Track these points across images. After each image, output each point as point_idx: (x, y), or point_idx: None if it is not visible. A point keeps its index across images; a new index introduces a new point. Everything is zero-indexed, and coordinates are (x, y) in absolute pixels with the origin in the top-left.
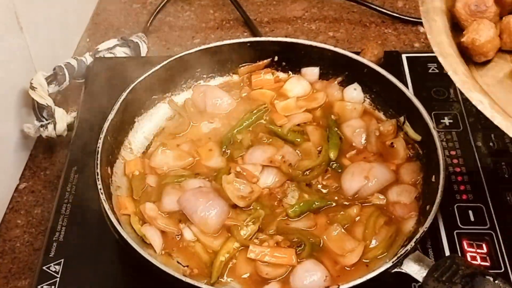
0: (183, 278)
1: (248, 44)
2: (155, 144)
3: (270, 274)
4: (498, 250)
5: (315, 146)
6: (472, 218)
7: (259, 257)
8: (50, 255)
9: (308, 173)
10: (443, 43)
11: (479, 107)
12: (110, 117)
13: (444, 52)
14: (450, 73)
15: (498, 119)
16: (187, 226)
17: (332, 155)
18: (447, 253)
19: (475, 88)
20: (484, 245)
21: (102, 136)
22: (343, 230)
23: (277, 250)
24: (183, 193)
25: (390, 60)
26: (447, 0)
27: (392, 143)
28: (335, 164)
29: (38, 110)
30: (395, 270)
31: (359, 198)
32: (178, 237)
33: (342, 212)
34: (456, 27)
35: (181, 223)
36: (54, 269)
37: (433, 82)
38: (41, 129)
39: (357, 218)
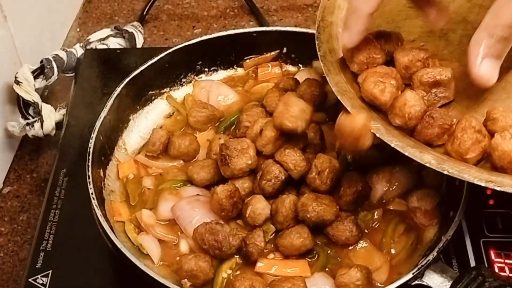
0: None
1: (254, 34)
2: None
3: None
4: None
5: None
6: (500, 226)
7: (268, 270)
8: (37, 266)
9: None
10: (341, 82)
11: (377, 134)
12: (103, 114)
13: (342, 90)
14: (349, 108)
15: (394, 142)
16: (185, 237)
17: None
18: (473, 263)
19: (372, 118)
20: None
21: (93, 135)
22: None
23: (287, 262)
24: (178, 201)
25: None
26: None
27: None
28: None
29: (23, 106)
30: (416, 282)
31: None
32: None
33: (364, 212)
34: None
35: (182, 232)
36: (41, 281)
37: None
38: (27, 127)
39: (377, 224)
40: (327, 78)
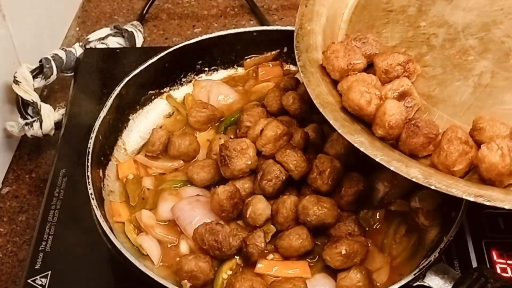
0: None
1: (255, 33)
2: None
3: None
4: None
5: None
6: (502, 226)
7: (268, 271)
8: (36, 267)
9: None
10: (322, 93)
11: (361, 149)
12: (102, 114)
13: (323, 102)
14: (331, 122)
15: (379, 156)
16: (185, 238)
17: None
18: (474, 264)
19: (355, 131)
20: None
21: (93, 135)
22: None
23: (287, 263)
24: (177, 201)
25: None
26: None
27: None
28: None
29: (22, 106)
30: (417, 283)
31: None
32: (173, 246)
33: (364, 211)
34: None
35: (182, 233)
36: (40, 282)
37: None
38: (26, 127)
39: (378, 225)
40: (308, 90)
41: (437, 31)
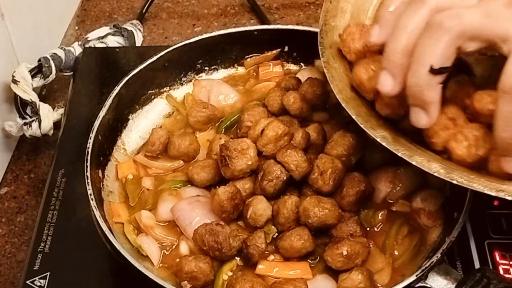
0: None
1: (255, 32)
2: None
3: None
4: None
5: None
6: (505, 227)
7: (269, 272)
8: (35, 268)
9: None
10: (345, 88)
11: (383, 144)
12: (101, 114)
13: (346, 98)
14: (353, 116)
15: (401, 151)
16: (185, 238)
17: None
18: (477, 265)
19: (378, 126)
20: None
21: (92, 135)
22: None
23: (288, 264)
24: (177, 202)
25: None
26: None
27: None
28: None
29: (21, 106)
30: (419, 284)
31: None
32: (172, 248)
33: (365, 210)
34: None
35: (182, 233)
36: (39, 284)
37: None
38: (25, 127)
39: (380, 226)
40: (331, 85)
41: None
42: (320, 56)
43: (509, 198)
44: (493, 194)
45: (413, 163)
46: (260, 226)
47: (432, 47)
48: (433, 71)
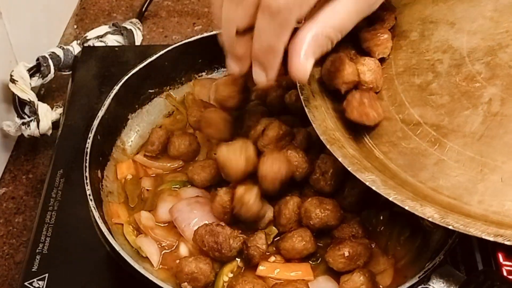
0: None
1: None
2: None
3: None
4: None
5: None
6: None
7: (270, 273)
8: (33, 269)
9: None
10: (328, 129)
11: (373, 187)
12: (101, 113)
13: (330, 139)
14: (340, 159)
15: (392, 196)
16: (184, 239)
17: None
18: (480, 267)
19: (366, 169)
20: None
21: (91, 135)
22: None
23: (289, 265)
24: (176, 202)
25: None
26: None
27: None
28: None
29: (19, 105)
30: (422, 286)
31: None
32: (172, 249)
33: (367, 210)
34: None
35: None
36: (37, 285)
37: None
38: (23, 127)
39: (382, 227)
40: (313, 125)
41: (442, 56)
42: (299, 94)
43: (508, 243)
44: (491, 239)
45: (406, 207)
46: (261, 228)
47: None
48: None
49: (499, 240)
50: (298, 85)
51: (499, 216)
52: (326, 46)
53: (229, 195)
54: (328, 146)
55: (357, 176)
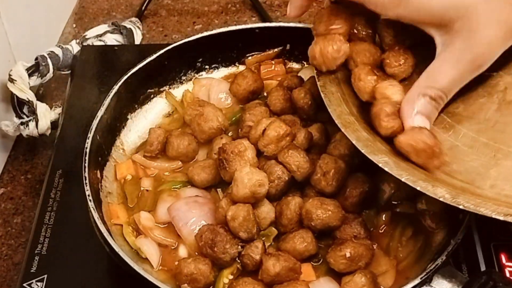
0: None
1: (257, 30)
2: None
3: None
4: None
5: None
6: (511, 229)
7: None
8: (32, 270)
9: None
10: (343, 113)
11: (385, 169)
12: (100, 113)
13: (345, 122)
14: (354, 142)
15: (404, 176)
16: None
17: None
18: (483, 268)
19: (379, 151)
20: None
21: (90, 135)
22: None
23: None
24: (175, 201)
25: None
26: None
27: None
28: None
29: (17, 105)
30: (424, 287)
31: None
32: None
33: (368, 211)
34: None
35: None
36: (36, 286)
37: None
38: (21, 127)
39: (384, 228)
40: (329, 110)
41: None
42: (316, 80)
43: None
44: (501, 218)
45: (418, 188)
46: (263, 229)
47: None
48: None
49: (509, 219)
50: (315, 71)
51: (510, 199)
52: (432, 106)
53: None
54: (342, 130)
55: (370, 158)
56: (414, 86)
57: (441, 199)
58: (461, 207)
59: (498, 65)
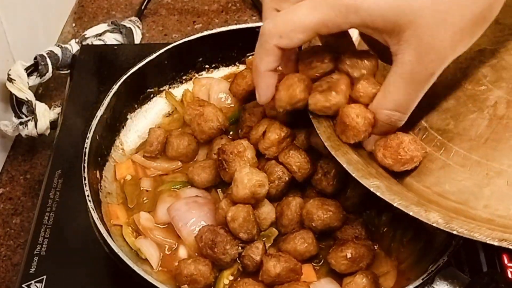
0: None
1: (257, 29)
2: None
3: None
4: None
5: None
6: None
7: None
8: (31, 271)
9: None
10: (333, 135)
11: (377, 193)
12: (99, 113)
13: (335, 145)
14: (344, 165)
15: (396, 201)
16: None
17: None
18: (485, 269)
19: (370, 174)
20: None
21: (90, 135)
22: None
23: None
24: (174, 202)
25: None
26: None
27: None
28: None
29: (16, 105)
30: None
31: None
32: (171, 250)
33: (368, 211)
34: None
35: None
36: (35, 287)
37: None
38: (20, 127)
39: (385, 229)
40: (318, 132)
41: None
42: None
43: None
44: (496, 243)
45: (410, 213)
46: (263, 230)
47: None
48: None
49: (504, 244)
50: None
51: (505, 220)
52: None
53: (229, 207)
54: (332, 153)
55: (362, 182)
56: (370, 106)
57: (434, 225)
58: (455, 232)
59: (488, 79)
